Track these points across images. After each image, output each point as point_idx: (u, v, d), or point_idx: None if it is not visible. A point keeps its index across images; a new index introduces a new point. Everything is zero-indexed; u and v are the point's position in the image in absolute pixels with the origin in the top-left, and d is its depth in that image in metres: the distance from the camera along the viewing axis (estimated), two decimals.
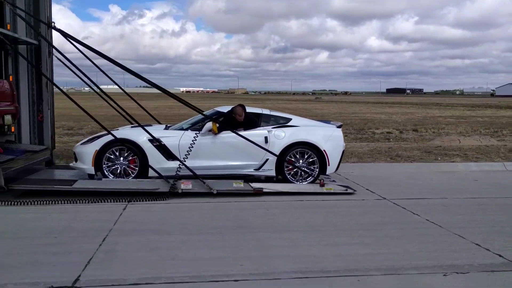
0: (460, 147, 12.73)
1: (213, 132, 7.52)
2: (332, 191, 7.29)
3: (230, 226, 5.56)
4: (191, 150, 7.36)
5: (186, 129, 7.78)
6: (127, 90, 11.35)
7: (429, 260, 4.37)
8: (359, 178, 8.72)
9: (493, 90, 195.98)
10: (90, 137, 8.01)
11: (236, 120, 7.78)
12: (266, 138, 7.65)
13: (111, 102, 8.13)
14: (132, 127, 8.08)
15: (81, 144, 7.74)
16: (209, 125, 7.55)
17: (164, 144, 7.41)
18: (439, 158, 10.85)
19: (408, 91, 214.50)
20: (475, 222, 5.77)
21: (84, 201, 6.64)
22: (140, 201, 6.70)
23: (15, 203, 6.46)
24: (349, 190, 7.38)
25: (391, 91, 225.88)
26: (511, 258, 4.42)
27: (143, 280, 3.86)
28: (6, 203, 6.45)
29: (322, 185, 7.38)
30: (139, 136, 7.44)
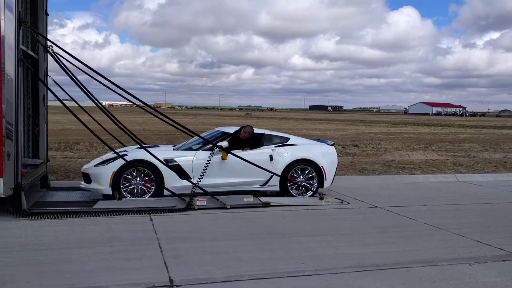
0: (411, 161, 14.18)
1: (222, 158, 8.04)
2: (330, 203, 8.10)
3: (262, 232, 6.16)
4: (206, 169, 7.87)
5: (197, 150, 8.24)
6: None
7: (449, 254, 5.28)
8: (341, 189, 9.61)
9: (406, 108, 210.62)
10: (104, 158, 8.15)
11: (243, 139, 8.39)
12: (271, 156, 8.35)
13: (104, 118, 8.37)
14: (138, 148, 8.37)
15: (96, 165, 7.88)
16: (223, 143, 8.05)
17: (178, 164, 7.85)
18: (401, 171, 12.11)
19: (329, 108, 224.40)
20: (464, 224, 6.83)
21: (105, 214, 6.91)
22: (159, 213, 7.08)
23: (39, 217, 6.59)
24: (344, 203, 8.24)
25: (313, 108, 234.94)
26: (510, 250, 5.46)
27: (229, 278, 4.39)
28: (32, 217, 6.57)
29: (321, 198, 8.19)
30: (157, 157, 7.75)
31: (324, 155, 8.64)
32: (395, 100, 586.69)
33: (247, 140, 8.43)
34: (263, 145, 8.51)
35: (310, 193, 8.46)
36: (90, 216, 6.86)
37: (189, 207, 7.36)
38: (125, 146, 9.19)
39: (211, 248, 5.35)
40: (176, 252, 5.17)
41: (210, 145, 8.17)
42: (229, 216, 7.08)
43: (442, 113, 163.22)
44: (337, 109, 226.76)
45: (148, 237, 5.78)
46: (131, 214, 6.99)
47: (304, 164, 8.47)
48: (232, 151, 8.09)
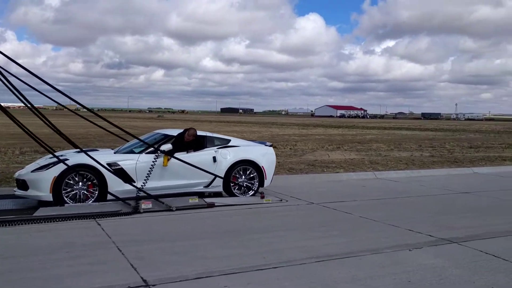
0: (333, 161, 15.09)
1: (164, 165, 8.06)
2: (270, 202, 8.48)
3: (215, 231, 6.36)
4: (151, 173, 7.86)
5: (139, 153, 8.16)
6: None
7: (389, 242, 5.88)
8: (276, 188, 10.02)
9: (312, 111, 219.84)
10: (41, 163, 7.80)
11: (187, 141, 8.48)
12: (214, 158, 8.56)
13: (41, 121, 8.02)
14: (76, 151, 8.13)
15: (34, 171, 7.53)
16: (166, 147, 8.06)
17: (122, 168, 7.75)
18: (325, 170, 12.87)
19: (240, 110, 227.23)
20: (393, 216, 7.54)
21: (48, 221, 6.66)
22: (104, 217, 6.97)
23: None
24: (283, 201, 8.66)
25: (225, 110, 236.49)
26: (440, 236, 6.19)
27: (200, 275, 4.56)
28: None
29: (262, 197, 8.55)
30: (99, 161, 7.60)
31: (264, 156, 9.02)
32: (302, 103, 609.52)
33: (191, 142, 8.54)
34: (206, 147, 8.68)
35: (251, 192, 8.79)
36: (31, 223, 6.57)
37: (135, 210, 7.32)
38: (54, 151, 8.84)
39: (173, 249, 5.46)
40: (138, 254, 5.21)
41: (153, 148, 8.16)
42: (177, 217, 7.17)
43: (346, 115, 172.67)
44: (248, 111, 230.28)
45: (103, 241, 5.73)
46: (76, 219, 6.80)
47: (246, 165, 8.78)
48: (176, 154, 8.16)
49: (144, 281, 4.36)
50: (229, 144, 8.95)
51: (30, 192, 7.42)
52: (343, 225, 6.84)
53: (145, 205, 7.47)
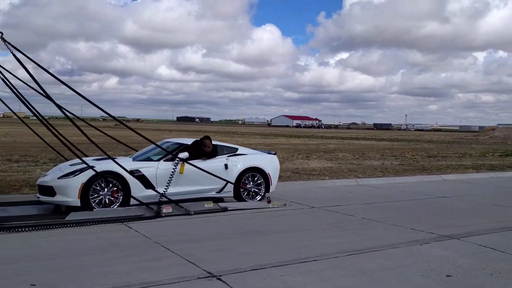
0: (314, 169, 15.93)
1: (180, 172, 8.58)
2: (276, 206, 9.15)
3: (241, 232, 6.96)
4: (171, 179, 8.39)
5: (158, 160, 8.67)
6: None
7: (401, 239, 6.67)
8: (273, 194, 10.67)
9: (269, 121, 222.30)
10: (65, 170, 8.15)
11: (203, 150, 9.06)
12: (226, 165, 9.19)
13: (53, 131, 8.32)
14: (95, 159, 8.53)
15: (61, 177, 7.88)
16: (184, 155, 8.60)
17: (143, 175, 8.24)
18: (311, 177, 13.67)
19: (197, 119, 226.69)
20: (392, 218, 8.35)
21: (81, 225, 7.03)
22: (131, 221, 7.41)
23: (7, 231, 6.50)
24: (287, 205, 9.35)
25: (181, 119, 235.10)
26: (440, 233, 7.06)
27: (254, 267, 5.15)
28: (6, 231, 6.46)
29: (269, 201, 9.23)
30: (122, 168, 8.02)
31: (270, 163, 9.73)
32: (258, 113, 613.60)
33: (205, 151, 9.09)
34: (218, 155, 9.25)
35: (259, 197, 9.43)
36: (64, 227, 6.91)
37: (157, 215, 7.79)
38: (67, 160, 9.17)
39: (213, 247, 6.01)
40: (184, 251, 5.73)
41: (171, 156, 8.64)
42: (198, 221, 7.70)
43: (302, 125, 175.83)
44: (205, 120, 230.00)
45: (145, 242, 6.21)
46: (105, 223, 7.20)
47: (254, 172, 9.44)
48: (191, 161, 8.69)
49: (209, 272, 4.91)
50: (237, 153, 9.57)
51: (58, 198, 7.75)
52: (352, 226, 7.60)
53: (166, 209, 7.96)
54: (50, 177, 8.08)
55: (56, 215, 7.52)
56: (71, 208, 7.66)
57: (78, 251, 5.68)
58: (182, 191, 8.64)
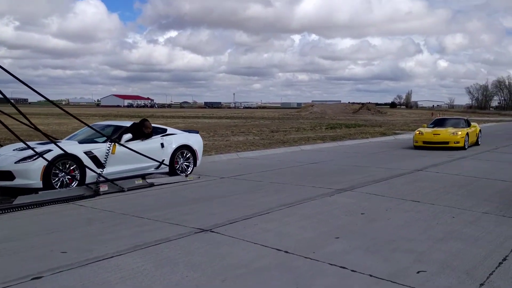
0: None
1: (112, 153, 9.26)
2: (192, 179, 10.34)
3: (187, 200, 8.10)
4: (106, 160, 9.16)
5: (103, 142, 9.36)
6: None
7: (312, 194, 8.56)
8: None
9: (99, 101, 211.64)
10: (18, 155, 8.38)
11: (143, 132, 10.07)
12: (162, 144, 10.38)
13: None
14: (39, 143, 8.93)
15: (18, 162, 8.14)
16: (127, 136, 9.40)
17: (95, 156, 8.95)
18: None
19: (12, 101, 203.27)
20: (291, 180, 10.21)
21: (31, 207, 7.34)
22: (75, 200, 7.94)
23: None
24: (200, 178, 10.62)
25: None
26: (335, 188, 9.18)
27: (230, 221, 6.46)
28: None
29: (186, 175, 10.40)
30: (79, 150, 8.77)
31: (196, 141, 11.23)
32: (83, 92, 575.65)
33: (145, 132, 10.14)
34: (153, 136, 10.30)
35: (190, 170, 10.86)
36: (13, 211, 7.14)
37: (96, 193, 8.39)
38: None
39: (180, 212, 7.09)
40: (160, 218, 6.72)
41: (116, 137, 9.56)
42: (139, 195, 8.55)
43: (134, 105, 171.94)
44: (22, 101, 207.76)
45: (113, 215, 6.96)
46: (54, 204, 7.59)
47: (184, 149, 10.79)
48: (132, 141, 9.74)
49: (199, 228, 6.07)
50: (167, 132, 10.81)
51: (17, 181, 8.09)
52: (269, 188, 9.29)
53: (103, 188, 8.58)
54: (4, 162, 8.27)
55: (4, 199, 7.59)
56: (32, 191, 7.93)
57: (61, 227, 6.22)
58: (124, 169, 9.53)
